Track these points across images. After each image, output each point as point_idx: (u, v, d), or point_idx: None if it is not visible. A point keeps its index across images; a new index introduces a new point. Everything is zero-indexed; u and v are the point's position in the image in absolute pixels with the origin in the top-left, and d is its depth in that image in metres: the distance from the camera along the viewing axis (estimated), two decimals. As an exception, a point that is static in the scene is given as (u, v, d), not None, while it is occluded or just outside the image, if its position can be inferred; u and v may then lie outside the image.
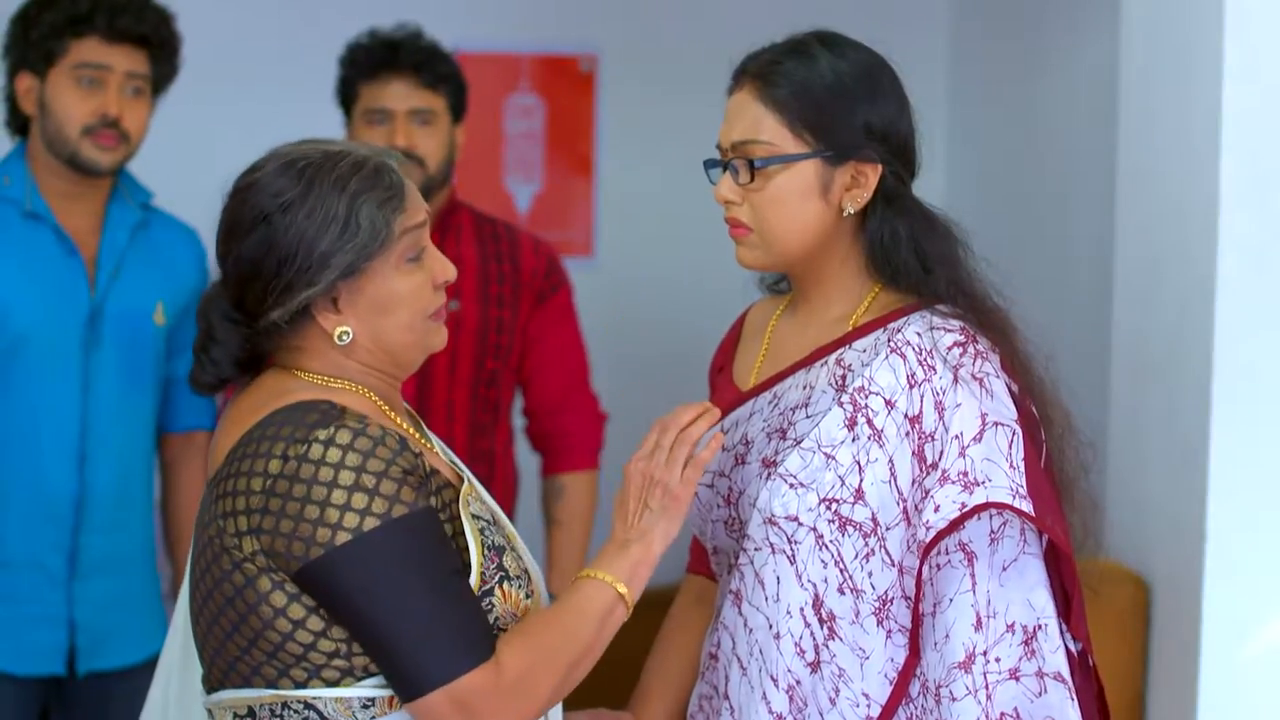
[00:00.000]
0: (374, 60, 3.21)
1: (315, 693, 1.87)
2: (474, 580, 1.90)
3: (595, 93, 4.56)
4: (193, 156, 4.26)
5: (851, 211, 2.07)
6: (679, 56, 4.54)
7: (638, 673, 2.35)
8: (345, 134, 3.29)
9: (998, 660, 1.96)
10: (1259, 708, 2.87)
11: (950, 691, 1.95)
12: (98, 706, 3.06)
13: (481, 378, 3.23)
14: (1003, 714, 1.96)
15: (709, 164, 2.12)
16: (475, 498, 1.98)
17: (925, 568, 1.97)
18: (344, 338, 1.92)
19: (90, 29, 2.98)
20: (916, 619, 1.98)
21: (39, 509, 2.97)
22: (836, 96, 2.05)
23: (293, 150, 1.94)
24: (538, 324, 3.31)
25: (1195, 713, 2.86)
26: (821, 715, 2.00)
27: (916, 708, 1.99)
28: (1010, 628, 1.97)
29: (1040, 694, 1.97)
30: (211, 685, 1.94)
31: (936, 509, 1.95)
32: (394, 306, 1.94)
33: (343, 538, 1.81)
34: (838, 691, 2.00)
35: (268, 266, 1.89)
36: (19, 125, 3.08)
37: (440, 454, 2.04)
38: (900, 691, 1.98)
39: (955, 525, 1.95)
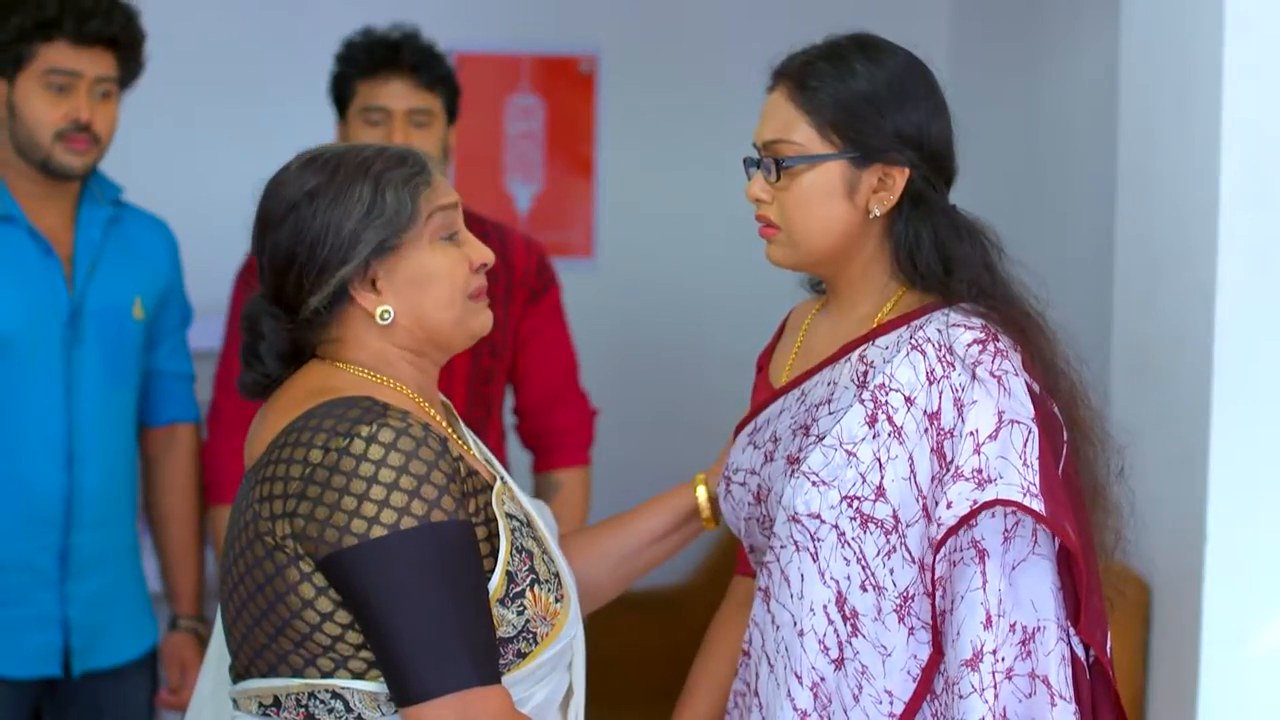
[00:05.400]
0: (374, 59, 3.20)
1: (343, 683, 1.87)
2: (499, 579, 1.90)
3: (595, 93, 4.56)
4: (189, 155, 4.28)
5: (878, 214, 2.09)
6: (679, 56, 4.54)
7: (634, 673, 2.35)
8: (338, 132, 3.28)
9: (1002, 659, 1.96)
10: (1259, 708, 2.86)
11: (959, 689, 1.95)
12: (90, 706, 3.05)
13: (478, 375, 3.23)
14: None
15: (747, 162, 2.14)
16: (510, 497, 1.98)
17: (942, 564, 1.98)
18: (385, 316, 1.95)
19: (59, 33, 2.92)
20: (935, 615, 1.98)
21: (28, 510, 2.95)
22: (867, 102, 2.07)
23: (317, 149, 2.00)
24: (530, 323, 3.31)
25: (1195, 713, 2.85)
26: (845, 712, 1.99)
27: (940, 704, 1.99)
28: (1013, 627, 1.97)
29: (1029, 695, 1.97)
30: (238, 674, 1.94)
31: (949, 505, 1.95)
32: (431, 282, 1.97)
33: (378, 531, 1.81)
34: (861, 688, 1.99)
35: (300, 252, 1.93)
36: None
37: (476, 452, 2.05)
38: (924, 688, 1.98)
39: (965, 521, 1.95)
